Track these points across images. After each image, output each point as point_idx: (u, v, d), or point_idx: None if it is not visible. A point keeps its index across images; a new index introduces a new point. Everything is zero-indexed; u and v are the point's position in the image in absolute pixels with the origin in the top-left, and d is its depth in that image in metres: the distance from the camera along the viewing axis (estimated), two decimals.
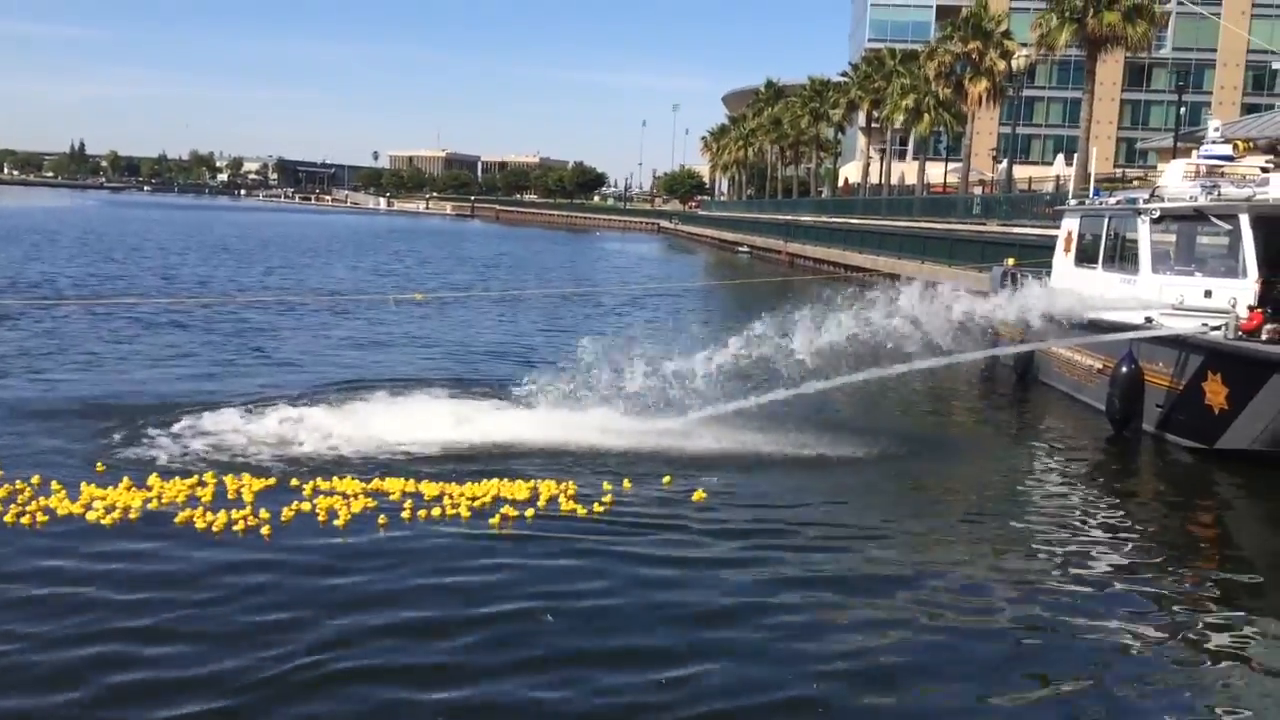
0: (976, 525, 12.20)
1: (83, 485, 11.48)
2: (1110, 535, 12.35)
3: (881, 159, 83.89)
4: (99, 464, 12.57)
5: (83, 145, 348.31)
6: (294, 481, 12.01)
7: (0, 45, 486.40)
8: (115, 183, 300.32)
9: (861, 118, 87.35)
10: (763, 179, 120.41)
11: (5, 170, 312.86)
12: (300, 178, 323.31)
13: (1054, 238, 25.01)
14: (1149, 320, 17.07)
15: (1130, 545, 11.96)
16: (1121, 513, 13.49)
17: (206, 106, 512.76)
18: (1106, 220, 20.62)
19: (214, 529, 10.58)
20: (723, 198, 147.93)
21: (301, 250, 63.16)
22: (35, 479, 11.64)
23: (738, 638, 8.65)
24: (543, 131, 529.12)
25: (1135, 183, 48.09)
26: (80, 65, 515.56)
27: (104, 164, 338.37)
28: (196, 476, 12.03)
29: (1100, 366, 18.64)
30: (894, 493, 13.58)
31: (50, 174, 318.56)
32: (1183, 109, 67.44)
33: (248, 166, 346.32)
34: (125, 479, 11.79)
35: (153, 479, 11.79)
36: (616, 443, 14.52)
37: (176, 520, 10.76)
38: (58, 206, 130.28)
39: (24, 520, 10.57)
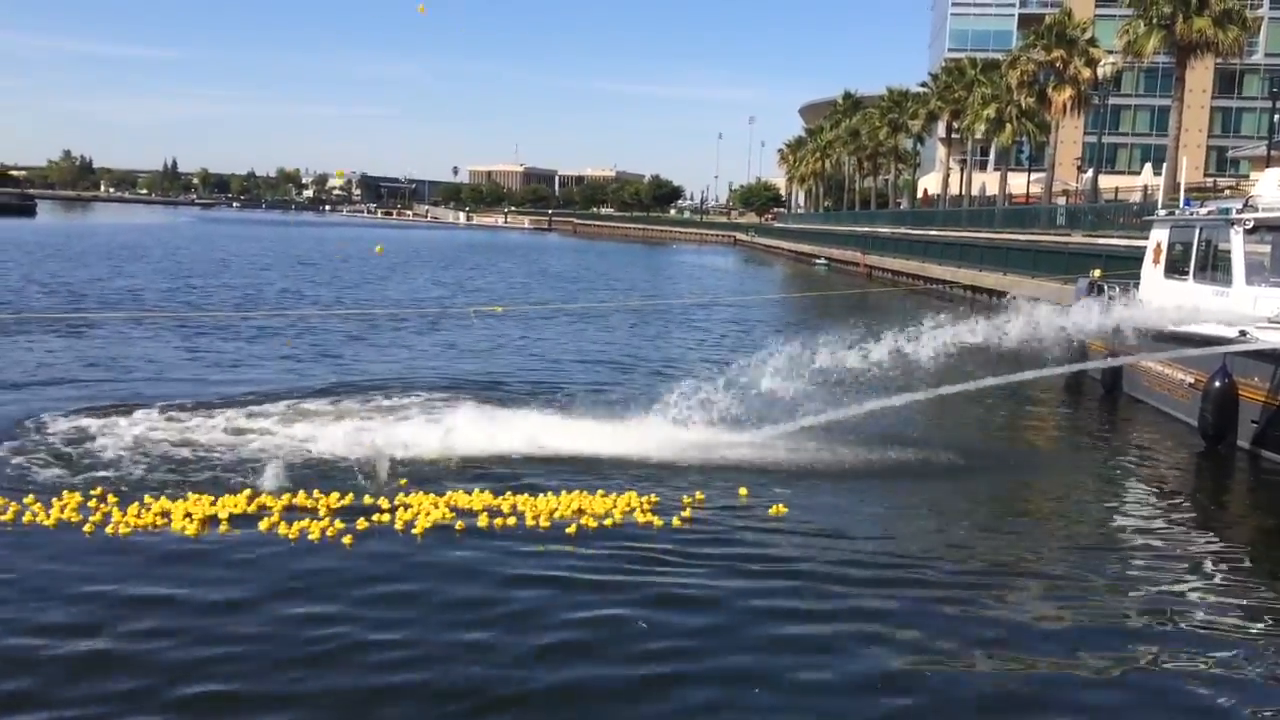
0: (1065, 546, 11.86)
1: (147, 498, 11.56)
2: (1205, 556, 11.96)
3: (962, 170, 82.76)
4: (165, 473, 12.85)
5: (175, 163, 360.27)
6: (368, 498, 12.04)
7: (97, 67, 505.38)
8: (206, 199, 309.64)
9: (941, 128, 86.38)
10: (840, 191, 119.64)
11: (102, 188, 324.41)
12: (382, 193, 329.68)
13: (1141, 249, 24.43)
14: (1243, 333, 16.57)
15: (1227, 567, 11.57)
16: (1216, 533, 13.07)
17: (293, 124, 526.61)
18: (1198, 231, 20.09)
19: (290, 538, 10.76)
20: (799, 210, 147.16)
21: (383, 265, 64.34)
22: (64, 494, 11.67)
23: (820, 660, 8.59)
24: (619, 145, 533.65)
25: (1227, 192, 46.79)
26: (172, 85, 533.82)
27: (195, 181, 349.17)
28: (268, 492, 12.06)
29: (1192, 381, 18.14)
30: (979, 511, 13.34)
31: (144, 191, 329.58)
32: (1276, 116, 65.30)
33: (332, 182, 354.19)
34: (191, 493, 11.84)
35: (214, 499, 11.72)
36: (694, 455, 14.53)
37: (261, 527, 11.01)
38: (152, 223, 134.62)
39: (108, 530, 10.77)
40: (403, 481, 12.76)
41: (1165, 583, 10.71)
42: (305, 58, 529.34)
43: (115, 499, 11.54)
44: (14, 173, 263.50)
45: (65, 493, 11.66)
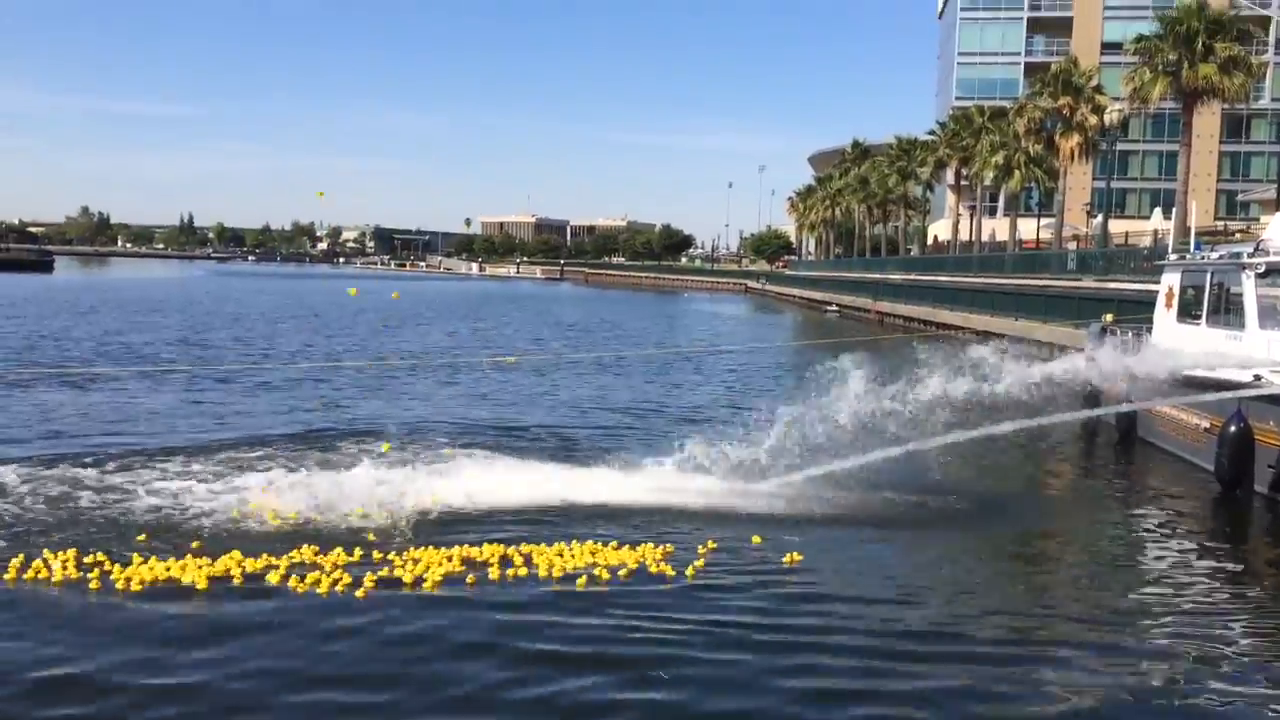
0: (1081, 593, 11.79)
1: (153, 559, 11.38)
2: (1223, 603, 11.83)
3: (971, 216, 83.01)
4: (176, 528, 12.78)
5: (191, 218, 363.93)
6: (377, 553, 11.94)
7: (114, 125, 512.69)
8: (221, 253, 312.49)
9: (950, 175, 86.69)
10: (850, 238, 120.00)
11: (120, 243, 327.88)
12: (396, 245, 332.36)
13: (1153, 293, 24.41)
14: (1258, 378, 16.50)
15: (1245, 616, 11.42)
16: (1239, 581, 12.92)
17: (308, 177, 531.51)
18: (1209, 275, 20.08)
19: (299, 590, 10.71)
20: (810, 257, 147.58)
21: (399, 318, 64.69)
22: (55, 553, 11.46)
23: (831, 707, 8.50)
24: (630, 195, 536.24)
25: (1238, 236, 46.74)
26: (188, 141, 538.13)
27: (211, 235, 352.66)
28: (289, 551, 12.01)
29: (1208, 426, 18.03)
30: (994, 558, 13.25)
31: (161, 246, 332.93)
32: None
33: (346, 235, 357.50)
34: (190, 549, 11.72)
35: (221, 555, 11.56)
36: (705, 503, 14.50)
37: (269, 579, 10.97)
38: (168, 277, 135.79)
39: (119, 585, 10.68)
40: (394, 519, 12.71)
41: (1191, 636, 10.51)
42: (319, 113, 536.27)
43: (104, 557, 11.30)
44: (32, 229, 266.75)
45: (48, 552, 11.33)
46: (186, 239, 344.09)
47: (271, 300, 79.94)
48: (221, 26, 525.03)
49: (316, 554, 11.74)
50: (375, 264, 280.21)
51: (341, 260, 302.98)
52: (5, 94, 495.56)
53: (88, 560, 11.28)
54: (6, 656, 9.00)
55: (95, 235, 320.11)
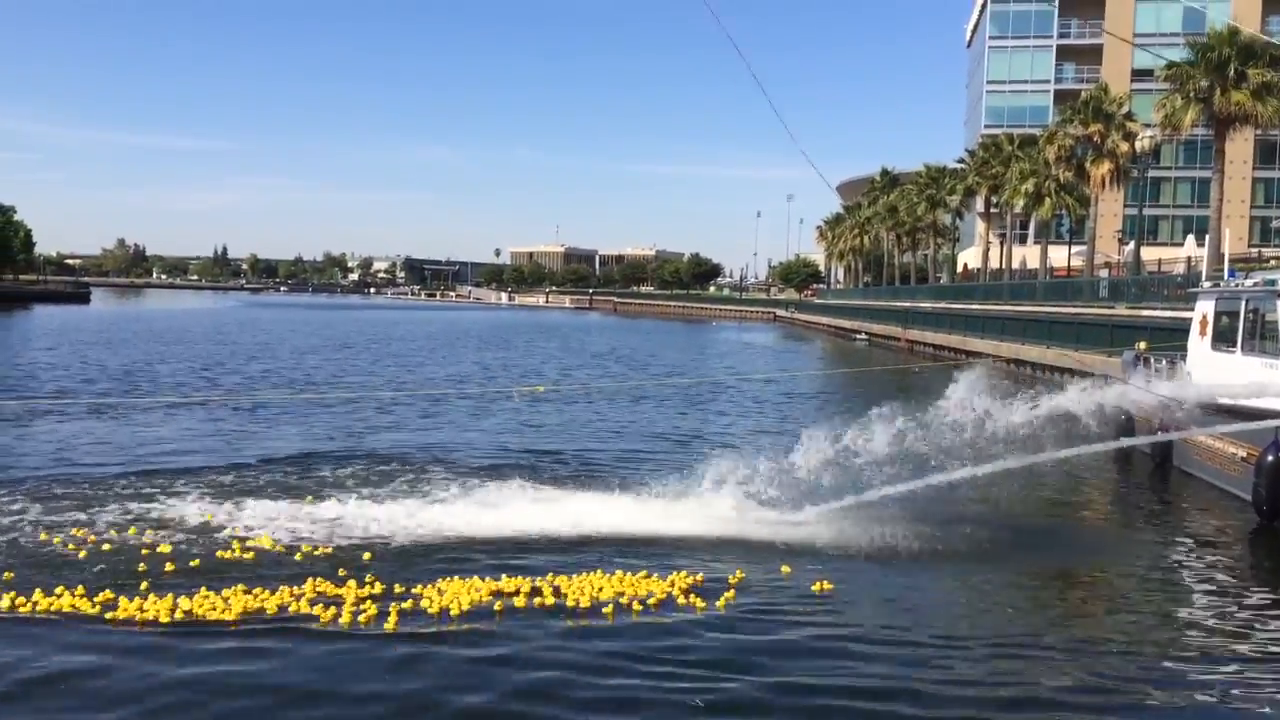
0: (1120, 628, 11.57)
1: (159, 594, 11.43)
2: (1265, 637, 11.61)
3: (1001, 244, 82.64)
4: (194, 559, 12.73)
5: (225, 250, 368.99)
6: (398, 586, 11.88)
7: (150, 158, 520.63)
8: (254, 284, 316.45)
9: (979, 203, 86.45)
10: (879, 266, 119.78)
11: (155, 275, 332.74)
12: (426, 275, 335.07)
13: (1187, 320, 24.17)
14: None
15: None
16: (1274, 611, 12.69)
17: (339, 209, 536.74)
18: (1244, 302, 19.86)
19: (321, 621, 10.68)
20: (838, 285, 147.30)
21: (430, 348, 65.05)
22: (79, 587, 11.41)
23: None
24: (658, 224, 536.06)
25: (1273, 262, 46.25)
26: (222, 175, 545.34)
27: (244, 266, 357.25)
28: (310, 581, 11.87)
29: (1244, 455, 17.77)
30: (1027, 592, 13.06)
31: (195, 277, 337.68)
32: None
33: (377, 266, 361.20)
34: (207, 581, 11.70)
35: (252, 586, 11.57)
36: (735, 533, 14.43)
37: (291, 610, 10.94)
38: (202, 308, 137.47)
39: (141, 618, 10.64)
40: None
41: (1231, 673, 10.32)
42: (349, 146, 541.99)
43: (112, 594, 11.18)
44: (70, 261, 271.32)
45: (60, 588, 11.29)
46: (220, 270, 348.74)
47: (303, 332, 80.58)
48: (254, 63, 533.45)
49: (340, 585, 11.70)
50: (406, 294, 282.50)
51: (372, 291, 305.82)
52: (43, 129, 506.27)
53: (99, 598, 11.10)
54: (33, 689, 9.06)
55: (131, 267, 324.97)
